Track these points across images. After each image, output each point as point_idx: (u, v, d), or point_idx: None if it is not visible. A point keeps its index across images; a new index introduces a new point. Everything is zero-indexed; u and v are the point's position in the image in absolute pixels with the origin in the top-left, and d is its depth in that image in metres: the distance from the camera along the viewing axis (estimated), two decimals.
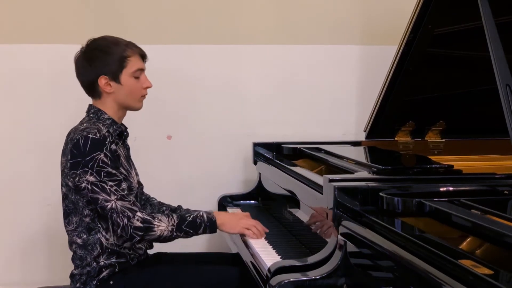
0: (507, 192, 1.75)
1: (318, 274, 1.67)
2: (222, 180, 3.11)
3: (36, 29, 3.01)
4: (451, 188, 1.75)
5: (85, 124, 2.15)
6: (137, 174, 2.33)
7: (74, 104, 3.00)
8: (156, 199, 2.50)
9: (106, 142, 2.08)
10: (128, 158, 2.28)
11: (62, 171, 2.16)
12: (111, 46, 2.18)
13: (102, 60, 2.16)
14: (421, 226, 1.56)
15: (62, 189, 2.18)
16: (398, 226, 1.56)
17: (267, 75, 3.14)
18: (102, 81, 2.17)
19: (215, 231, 2.15)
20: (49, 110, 3.03)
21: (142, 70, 2.24)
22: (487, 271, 1.16)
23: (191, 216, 2.11)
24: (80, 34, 2.99)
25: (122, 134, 2.24)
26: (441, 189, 1.75)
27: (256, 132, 3.12)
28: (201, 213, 2.14)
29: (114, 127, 2.20)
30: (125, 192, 2.06)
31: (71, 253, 2.22)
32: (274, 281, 1.67)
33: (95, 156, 2.05)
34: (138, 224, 2.02)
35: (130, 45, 2.21)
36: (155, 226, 2.04)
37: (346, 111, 3.18)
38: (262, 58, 3.14)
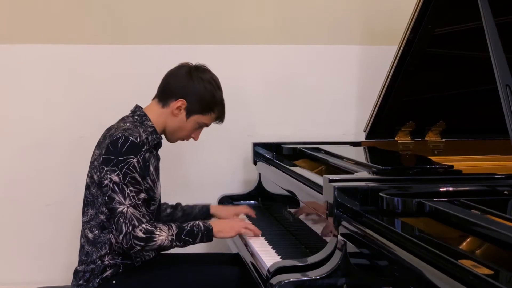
0: (507, 192, 1.75)
1: (318, 274, 1.67)
2: (222, 180, 3.11)
3: (36, 29, 3.01)
4: (451, 188, 1.75)
5: (128, 124, 2.17)
6: (160, 186, 2.33)
7: (74, 104, 3.02)
8: None
9: (143, 149, 2.10)
10: (157, 169, 2.29)
11: (92, 163, 2.18)
12: (214, 92, 2.25)
13: (198, 92, 2.22)
14: (421, 226, 1.56)
15: (86, 179, 2.20)
16: (398, 226, 1.56)
17: (267, 75, 3.14)
18: (179, 103, 2.22)
19: (211, 240, 2.16)
20: (49, 110, 3.03)
21: (207, 126, 2.31)
22: (487, 271, 1.16)
23: (189, 225, 2.12)
24: (81, 34, 3.02)
25: (158, 145, 2.27)
26: (441, 189, 1.75)
27: (256, 132, 3.12)
28: (197, 222, 2.15)
29: (154, 136, 2.23)
30: (140, 202, 2.07)
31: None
32: (274, 281, 1.67)
33: (128, 159, 2.06)
34: (141, 234, 2.02)
35: (223, 106, 2.29)
36: (156, 236, 2.04)
37: (346, 111, 3.18)
38: (262, 58, 3.14)
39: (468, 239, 1.40)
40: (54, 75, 3.02)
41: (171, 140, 2.34)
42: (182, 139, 2.34)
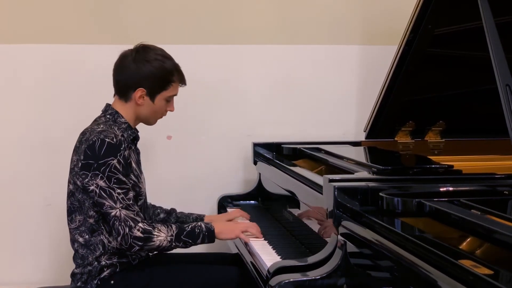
0: (507, 192, 1.75)
1: (318, 274, 1.67)
2: (222, 180, 3.11)
3: (36, 29, 3.01)
4: (451, 188, 1.75)
5: (101, 126, 2.14)
6: (144, 180, 2.32)
7: (74, 104, 3.02)
8: (149, 202, 2.49)
9: (121, 148, 2.09)
10: (138, 163, 2.28)
11: (72, 169, 2.16)
12: (164, 65, 2.19)
13: (150, 74, 2.17)
14: (421, 226, 1.56)
15: (69, 186, 2.18)
16: (398, 226, 1.56)
17: (267, 75, 3.14)
18: (139, 93, 2.18)
19: (213, 241, 2.16)
20: (49, 110, 3.03)
21: (176, 95, 2.27)
22: (487, 271, 1.16)
23: (190, 226, 2.12)
24: (80, 34, 3.02)
25: (135, 139, 2.26)
26: (441, 189, 1.75)
27: (256, 132, 3.12)
28: (199, 223, 2.15)
29: (129, 131, 2.21)
30: (131, 202, 2.06)
31: (71, 253, 2.22)
32: (274, 281, 1.67)
33: (108, 161, 2.05)
34: (139, 234, 2.02)
35: (179, 71, 2.24)
36: (155, 236, 2.04)
37: (346, 111, 3.18)
38: (262, 58, 3.14)
39: (468, 239, 1.40)
40: (54, 75, 3.02)
41: (150, 123, 2.30)
42: (161, 117, 2.30)
